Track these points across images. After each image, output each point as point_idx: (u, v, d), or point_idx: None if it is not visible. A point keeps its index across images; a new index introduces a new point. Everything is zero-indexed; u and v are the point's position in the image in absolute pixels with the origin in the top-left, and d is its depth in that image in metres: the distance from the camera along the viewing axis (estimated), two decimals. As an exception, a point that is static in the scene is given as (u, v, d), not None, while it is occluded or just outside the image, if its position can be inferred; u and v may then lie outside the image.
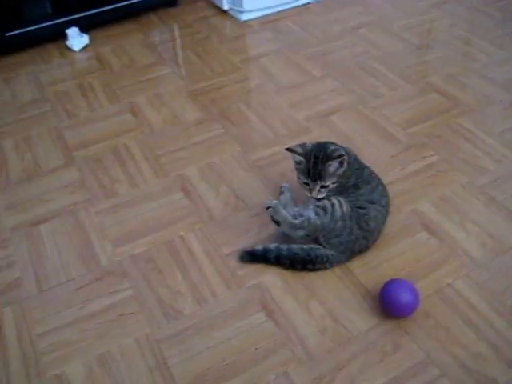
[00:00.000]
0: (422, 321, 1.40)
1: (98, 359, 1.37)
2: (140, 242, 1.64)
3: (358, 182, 1.54)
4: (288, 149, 1.53)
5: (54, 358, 1.37)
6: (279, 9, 2.81)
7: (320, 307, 1.44)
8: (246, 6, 2.71)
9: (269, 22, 2.74)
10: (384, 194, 1.58)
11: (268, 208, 1.53)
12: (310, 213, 1.50)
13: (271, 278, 1.52)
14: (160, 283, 1.52)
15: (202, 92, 2.26)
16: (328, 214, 1.48)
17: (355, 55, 2.45)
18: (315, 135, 1.98)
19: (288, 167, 1.85)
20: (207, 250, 1.60)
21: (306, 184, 1.52)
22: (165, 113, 2.15)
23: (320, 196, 1.51)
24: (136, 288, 1.52)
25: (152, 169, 1.88)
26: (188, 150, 1.96)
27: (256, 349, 1.36)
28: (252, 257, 1.55)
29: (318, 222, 1.48)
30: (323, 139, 1.86)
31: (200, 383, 1.30)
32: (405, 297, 1.38)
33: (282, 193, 1.68)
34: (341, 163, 1.49)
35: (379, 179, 1.60)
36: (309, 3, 2.87)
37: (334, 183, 1.50)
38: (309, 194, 1.53)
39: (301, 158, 1.51)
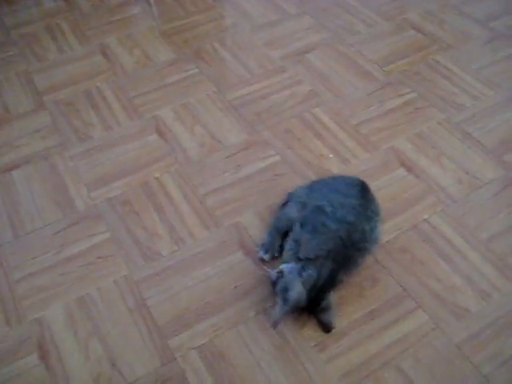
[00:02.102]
0: (399, 256, 1.42)
1: (77, 302, 1.36)
2: (115, 185, 1.61)
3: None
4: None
5: (33, 303, 1.37)
6: None
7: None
8: None
9: (242, -42, 2.65)
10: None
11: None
12: None
13: (249, 217, 1.52)
14: (137, 225, 1.51)
15: (174, 32, 2.19)
16: None
17: (332, -8, 2.39)
18: (291, 74, 1.95)
19: (264, 107, 1.83)
20: (184, 191, 1.59)
21: None
22: (137, 54, 2.09)
23: None
24: (113, 231, 1.50)
25: (125, 111, 1.84)
26: (162, 91, 1.91)
27: (235, 287, 1.37)
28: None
29: None
30: (299, 78, 1.84)
31: (180, 322, 1.31)
32: None
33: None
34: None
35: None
36: None
37: None
38: None
39: None
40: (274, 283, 1.26)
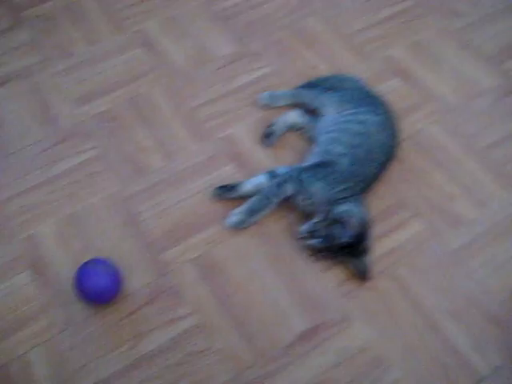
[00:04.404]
0: (396, 165, 1.38)
1: (68, 218, 1.34)
2: (102, 101, 1.55)
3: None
4: None
5: (24, 221, 1.34)
6: None
7: (292, 156, 1.41)
8: None
9: None
10: None
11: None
12: None
13: (240, 129, 1.47)
14: (126, 140, 1.47)
15: None
16: None
17: None
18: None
19: (254, 17, 1.74)
20: (173, 104, 1.53)
21: None
22: (119, -35, 1.97)
23: None
24: (101, 147, 1.46)
25: (109, 25, 1.75)
26: (146, 3, 1.80)
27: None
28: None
29: None
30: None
31: (173, 236, 1.30)
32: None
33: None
34: None
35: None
36: None
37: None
38: None
39: None
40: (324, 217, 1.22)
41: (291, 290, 1.21)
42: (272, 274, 1.23)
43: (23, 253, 1.29)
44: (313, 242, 1.22)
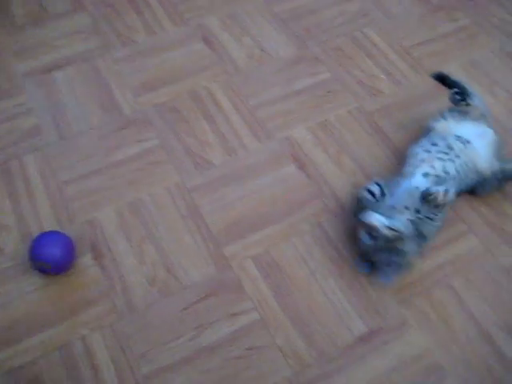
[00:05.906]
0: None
1: (129, 206, 1.36)
2: (162, 92, 1.57)
3: None
4: None
5: (84, 205, 1.36)
6: None
7: (351, 162, 1.44)
8: None
9: None
10: None
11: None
12: None
13: (301, 131, 1.49)
14: (187, 133, 1.49)
15: None
16: None
17: None
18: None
19: (313, 22, 1.76)
20: (234, 102, 1.55)
21: None
22: (177, -42, 1.99)
23: None
24: (162, 137, 1.48)
25: (169, 17, 1.77)
26: (205, -2, 1.83)
27: (290, 200, 1.37)
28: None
29: None
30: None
31: (234, 231, 1.32)
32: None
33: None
34: None
35: None
36: None
37: None
38: None
39: None
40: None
41: (351, 293, 1.23)
42: (332, 276, 1.26)
43: (83, 237, 1.31)
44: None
